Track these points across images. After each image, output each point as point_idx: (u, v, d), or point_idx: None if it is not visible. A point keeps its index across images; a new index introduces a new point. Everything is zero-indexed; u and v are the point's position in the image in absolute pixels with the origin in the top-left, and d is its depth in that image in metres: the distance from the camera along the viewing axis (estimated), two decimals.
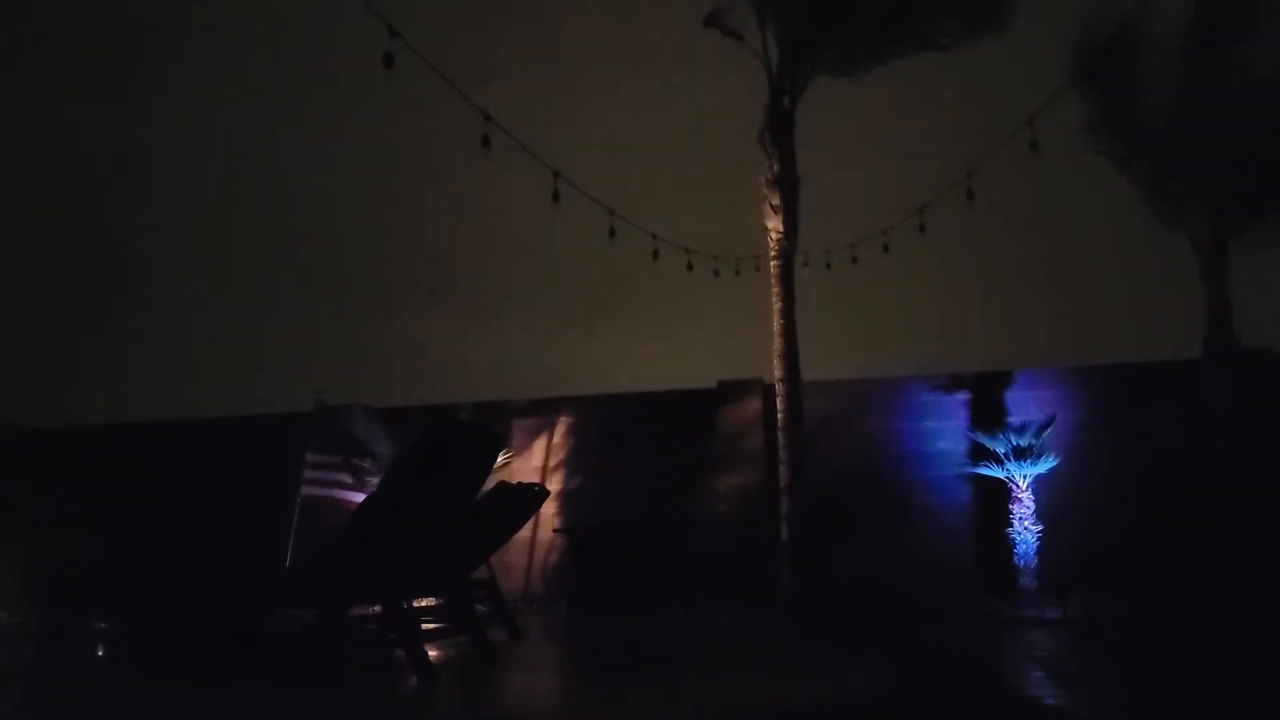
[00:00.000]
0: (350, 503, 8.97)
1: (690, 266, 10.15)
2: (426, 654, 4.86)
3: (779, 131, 9.02)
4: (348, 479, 9.21)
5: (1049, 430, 8.91)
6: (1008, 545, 8.65)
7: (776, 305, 8.89)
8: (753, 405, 9.99)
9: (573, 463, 10.47)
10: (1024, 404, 9.39)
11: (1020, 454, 8.76)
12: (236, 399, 13.17)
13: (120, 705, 4.54)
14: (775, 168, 8.96)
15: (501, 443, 9.61)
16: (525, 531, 9.67)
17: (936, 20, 8.71)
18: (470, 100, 7.00)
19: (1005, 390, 9.52)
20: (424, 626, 5.63)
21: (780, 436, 8.81)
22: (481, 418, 10.56)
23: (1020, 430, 8.91)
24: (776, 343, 8.87)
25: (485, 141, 7.12)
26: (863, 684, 4.63)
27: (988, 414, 9.35)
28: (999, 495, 8.90)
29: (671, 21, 10.32)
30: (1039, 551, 8.52)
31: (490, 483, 6.94)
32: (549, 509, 10.00)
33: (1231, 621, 6.29)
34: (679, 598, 8.93)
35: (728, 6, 8.91)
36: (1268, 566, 6.87)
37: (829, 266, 10.40)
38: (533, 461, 10.52)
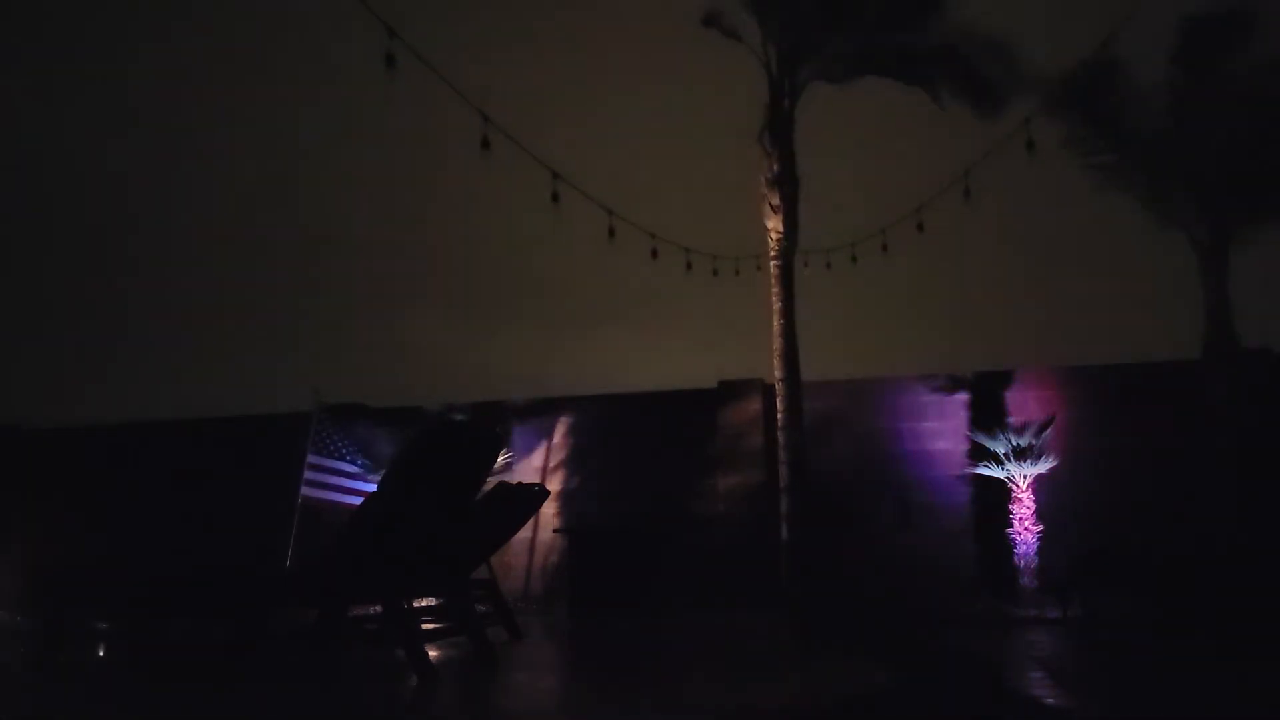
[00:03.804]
0: (350, 503, 8.97)
1: (689, 266, 10.15)
2: (426, 654, 4.86)
3: (779, 131, 9.03)
4: (347, 479, 9.20)
5: (1049, 430, 8.91)
6: (1008, 545, 8.65)
7: (776, 305, 8.89)
8: (753, 405, 9.99)
9: (573, 463, 10.46)
10: (1024, 404, 9.39)
11: (1020, 454, 8.76)
12: (237, 399, 13.19)
13: (120, 705, 4.54)
14: (775, 168, 8.96)
15: (501, 443, 9.61)
16: (525, 531, 9.67)
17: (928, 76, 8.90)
18: (469, 101, 7.00)
19: (1005, 390, 9.51)
20: (424, 626, 5.63)
21: (780, 436, 8.81)
22: (481, 418, 10.56)
23: (1020, 430, 8.91)
24: (776, 343, 8.87)
25: (485, 143, 7.11)
26: (862, 684, 4.63)
27: (988, 414, 9.34)
28: (999, 495, 8.89)
29: (672, 23, 10.33)
30: (1039, 551, 8.52)
31: (490, 483, 6.95)
32: (549, 509, 10.00)
33: (1229, 619, 6.29)
34: (679, 598, 8.93)
35: (726, 7, 8.93)
36: (1266, 564, 6.87)
37: (829, 266, 10.40)
38: (533, 462, 10.52)
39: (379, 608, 5.21)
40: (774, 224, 8.97)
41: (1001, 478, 8.84)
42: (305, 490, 8.92)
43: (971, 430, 9.28)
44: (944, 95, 8.92)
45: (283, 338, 15.50)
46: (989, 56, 8.62)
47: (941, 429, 9.60)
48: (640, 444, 10.33)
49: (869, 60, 8.95)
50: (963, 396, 9.63)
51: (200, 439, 11.39)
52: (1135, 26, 8.26)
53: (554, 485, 10.22)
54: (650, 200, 10.71)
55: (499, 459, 9.30)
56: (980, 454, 9.05)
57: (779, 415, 8.84)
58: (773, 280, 8.96)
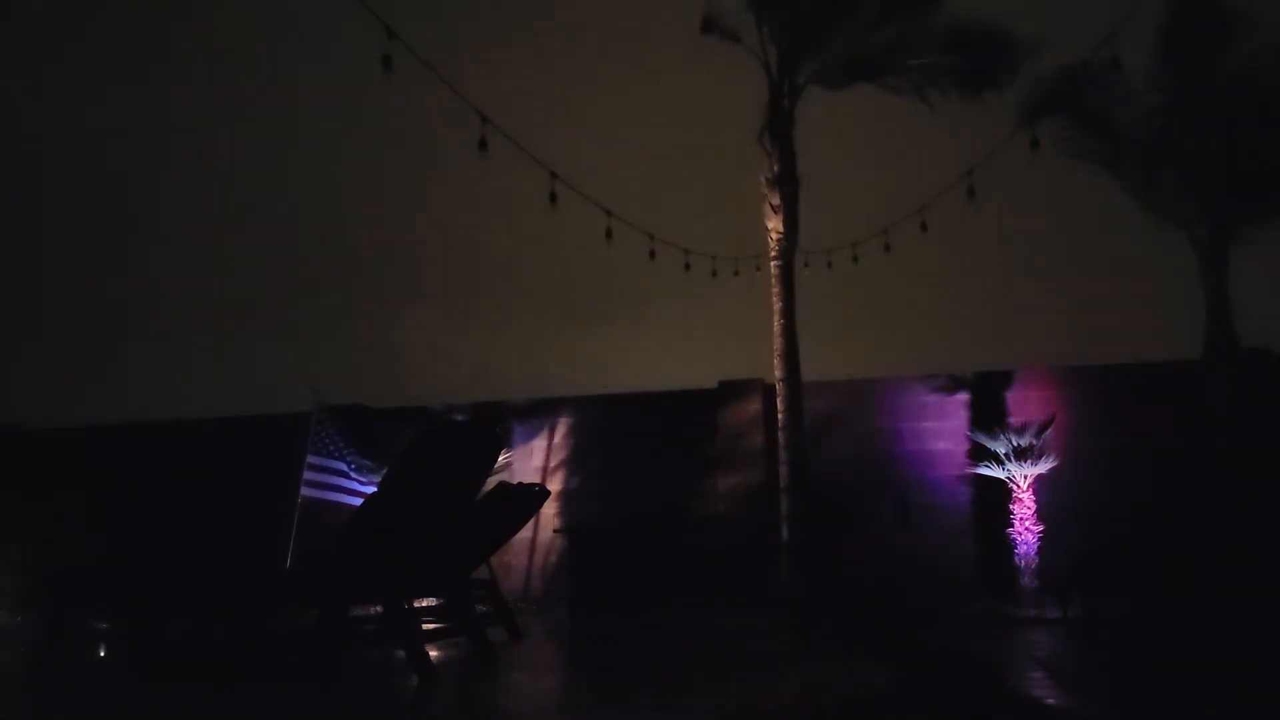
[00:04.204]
0: (350, 503, 8.97)
1: (688, 267, 10.15)
2: (426, 654, 4.86)
3: (779, 131, 9.02)
4: (347, 479, 9.20)
5: (1049, 430, 8.91)
6: (1008, 545, 8.65)
7: (776, 305, 8.89)
8: (753, 405, 9.99)
9: (573, 463, 10.46)
10: (1024, 404, 9.39)
11: (1020, 454, 8.75)
12: (237, 399, 13.19)
13: (120, 705, 4.54)
14: (775, 168, 8.96)
15: (501, 443, 9.62)
16: (525, 532, 9.68)
17: (923, 74, 8.90)
18: (468, 101, 7.00)
19: (1005, 390, 9.51)
20: (424, 626, 5.63)
21: (780, 436, 8.81)
22: (481, 418, 10.56)
23: (1020, 430, 8.90)
24: (777, 343, 8.87)
25: (483, 143, 7.11)
26: (862, 684, 4.63)
27: (988, 414, 9.34)
28: (999, 495, 8.89)
29: (673, 22, 10.33)
30: (1039, 551, 8.52)
31: (491, 483, 6.95)
32: (549, 509, 10.00)
33: (1229, 619, 6.29)
34: (679, 598, 8.93)
35: (725, 9, 8.93)
36: (1266, 564, 6.87)
37: (829, 266, 10.40)
38: (533, 462, 10.52)
39: (379, 608, 5.21)
40: (774, 224, 8.96)
41: (1002, 478, 8.84)
42: (305, 490, 8.93)
43: (972, 430, 9.28)
44: (938, 94, 8.92)
45: (283, 338, 15.50)
46: (986, 52, 8.62)
47: (941, 429, 9.60)
48: (640, 444, 10.32)
49: (867, 62, 8.95)
50: (963, 396, 9.63)
51: (200, 439, 11.39)
52: (1136, 24, 8.27)
53: (554, 485, 10.22)
54: (650, 200, 10.71)
55: (499, 459, 9.31)
56: (980, 454, 9.04)
57: (779, 415, 8.84)
58: (773, 280, 8.96)
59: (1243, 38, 8.09)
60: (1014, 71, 8.58)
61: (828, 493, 8.95)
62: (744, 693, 4.46)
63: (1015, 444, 8.80)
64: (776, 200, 8.94)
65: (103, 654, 5.88)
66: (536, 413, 10.68)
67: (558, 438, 10.59)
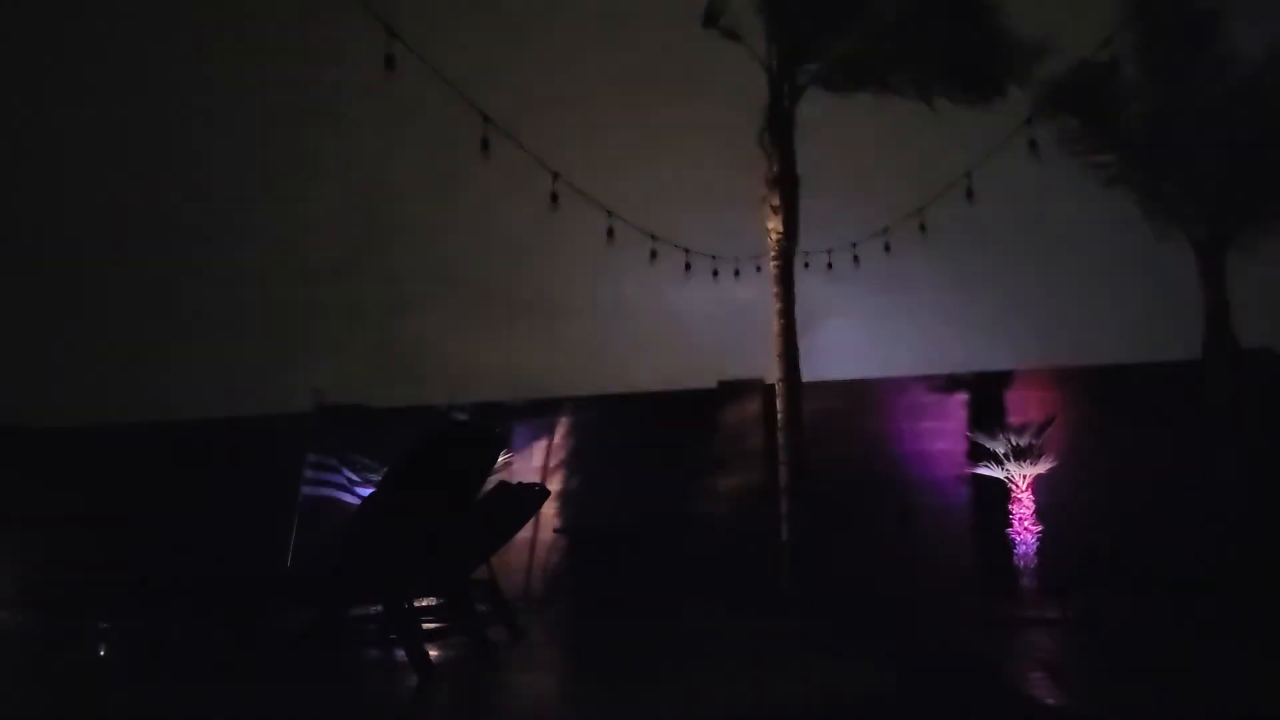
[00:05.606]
0: (350, 503, 8.97)
1: (688, 267, 10.15)
2: (426, 654, 4.86)
3: (779, 131, 9.03)
4: (348, 479, 9.20)
5: (1048, 430, 8.91)
6: (1008, 545, 8.65)
7: (776, 305, 8.89)
8: (753, 405, 9.99)
9: (573, 463, 10.46)
10: (1024, 404, 9.39)
11: (1020, 454, 8.75)
12: (237, 399, 13.19)
13: (120, 705, 4.54)
14: (775, 168, 8.97)
15: (501, 443, 9.62)
16: (525, 531, 9.67)
17: (928, 77, 8.89)
18: (470, 102, 7.01)
19: (1005, 390, 9.52)
20: (424, 626, 5.64)
21: (780, 437, 8.81)
22: (481, 418, 10.56)
23: (1020, 430, 8.90)
24: (776, 343, 8.88)
25: (485, 144, 7.12)
26: (862, 684, 4.63)
27: (987, 414, 9.35)
28: (999, 495, 8.89)
29: (673, 23, 10.34)
30: (1039, 551, 8.52)
31: (491, 483, 6.95)
32: (549, 509, 9.99)
33: (1229, 619, 6.30)
34: (679, 598, 8.93)
35: (726, 6, 8.93)
36: (1267, 564, 6.88)
37: (830, 267, 10.40)
38: (533, 462, 10.52)
39: (379, 608, 5.22)
40: (774, 224, 8.97)
41: (1001, 478, 8.84)
42: (305, 489, 8.92)
43: (971, 430, 9.28)
44: (942, 98, 8.93)
45: (283, 338, 15.51)
46: (990, 56, 8.63)
47: (941, 429, 9.60)
48: (640, 444, 10.32)
49: (869, 65, 8.96)
50: (962, 397, 9.63)
51: (200, 439, 11.38)
52: (1136, 25, 8.29)
53: (554, 485, 10.21)
54: (650, 200, 10.72)
55: (499, 459, 9.30)
56: (980, 454, 9.04)
57: (779, 415, 8.84)
58: (772, 280, 8.96)
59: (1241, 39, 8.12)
60: (1022, 72, 8.57)
61: (828, 493, 8.95)
62: (744, 693, 4.46)
63: (1014, 444, 8.80)
64: (776, 200, 8.95)
65: (103, 654, 5.88)
66: (536, 413, 10.68)
67: (558, 438, 10.58)
